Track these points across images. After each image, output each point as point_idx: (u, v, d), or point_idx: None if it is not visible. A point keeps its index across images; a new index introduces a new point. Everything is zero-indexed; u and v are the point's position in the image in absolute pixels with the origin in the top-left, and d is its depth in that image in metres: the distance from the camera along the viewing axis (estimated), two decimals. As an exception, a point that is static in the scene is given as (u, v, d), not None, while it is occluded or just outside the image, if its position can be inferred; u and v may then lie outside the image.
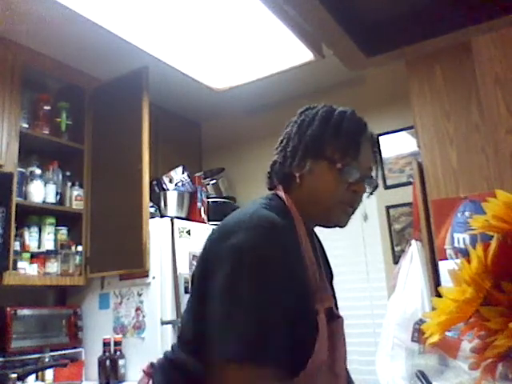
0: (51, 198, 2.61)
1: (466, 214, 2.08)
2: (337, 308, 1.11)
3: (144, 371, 1.01)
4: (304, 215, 1.00)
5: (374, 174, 1.05)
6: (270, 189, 1.07)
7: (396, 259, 2.71)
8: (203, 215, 3.01)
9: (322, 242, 1.24)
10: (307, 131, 1.01)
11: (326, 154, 0.98)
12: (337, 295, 1.15)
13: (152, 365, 1.01)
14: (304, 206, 1.00)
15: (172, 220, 2.65)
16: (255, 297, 0.81)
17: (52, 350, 2.47)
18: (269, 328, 0.80)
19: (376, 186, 1.05)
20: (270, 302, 0.81)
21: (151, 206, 2.77)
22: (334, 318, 0.99)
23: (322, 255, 1.16)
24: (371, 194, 1.05)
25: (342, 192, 0.98)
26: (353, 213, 1.03)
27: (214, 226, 1.00)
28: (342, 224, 1.03)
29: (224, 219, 0.95)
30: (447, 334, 0.67)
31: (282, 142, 1.06)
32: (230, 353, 0.78)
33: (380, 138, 3.01)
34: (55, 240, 2.64)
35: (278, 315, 0.81)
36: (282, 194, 1.02)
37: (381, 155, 3.00)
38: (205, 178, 3.18)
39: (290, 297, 0.85)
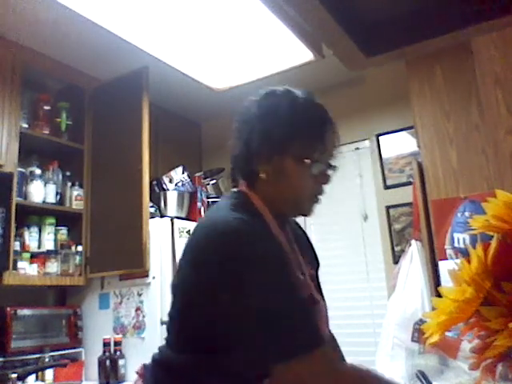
0: (51, 198, 2.61)
1: (466, 214, 2.08)
2: (322, 296, 1.13)
3: (137, 373, 1.03)
4: (273, 209, 1.00)
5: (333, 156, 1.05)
6: (234, 186, 1.07)
7: (396, 259, 2.71)
8: (203, 215, 3.01)
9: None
10: (272, 128, 0.98)
11: (292, 151, 0.97)
12: (335, 294, 1.17)
13: (144, 366, 1.02)
14: (273, 201, 1.00)
15: (172, 220, 2.65)
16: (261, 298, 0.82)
17: (52, 350, 2.46)
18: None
19: (335, 169, 1.05)
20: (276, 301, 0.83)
21: (151, 206, 2.77)
22: (315, 303, 1.00)
23: (306, 243, 1.17)
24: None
25: (310, 186, 0.99)
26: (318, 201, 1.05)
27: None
28: (309, 215, 1.05)
29: (196, 226, 0.97)
30: (447, 334, 0.67)
31: (241, 133, 1.03)
32: (294, 351, 0.79)
33: (380, 138, 3.02)
34: (55, 240, 2.63)
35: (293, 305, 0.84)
36: (247, 190, 1.01)
37: (381, 155, 3.00)
38: (205, 178, 3.17)
39: (284, 291, 0.85)
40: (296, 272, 0.95)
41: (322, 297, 1.12)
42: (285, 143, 0.97)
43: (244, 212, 0.93)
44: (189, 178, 3.07)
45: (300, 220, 3.64)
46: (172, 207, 2.93)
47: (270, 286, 0.83)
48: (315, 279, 1.10)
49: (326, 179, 1.01)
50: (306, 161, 0.97)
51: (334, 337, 1.18)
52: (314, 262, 1.16)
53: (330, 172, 1.02)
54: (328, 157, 1.01)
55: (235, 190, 1.05)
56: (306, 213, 1.04)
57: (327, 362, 0.82)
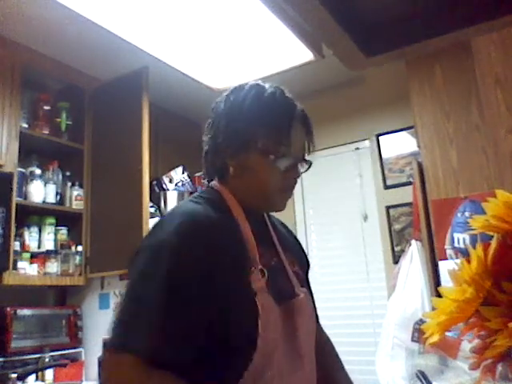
0: (51, 198, 2.61)
1: (466, 214, 2.08)
2: (311, 292, 1.13)
3: None
4: (245, 204, 1.00)
5: (306, 150, 1.04)
6: (208, 181, 1.07)
7: (396, 259, 2.71)
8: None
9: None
10: (238, 125, 0.98)
11: (258, 147, 0.97)
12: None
13: None
14: (243, 196, 1.00)
15: (172, 220, 2.65)
16: (149, 284, 0.83)
17: (52, 350, 2.46)
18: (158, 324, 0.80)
19: (310, 165, 1.03)
20: (164, 291, 0.82)
21: (151, 206, 2.77)
22: (287, 297, 0.96)
23: (293, 243, 1.16)
24: (305, 171, 1.04)
25: (278, 181, 0.98)
26: (290, 196, 1.03)
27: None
28: (282, 209, 1.03)
29: None
30: (447, 334, 0.67)
31: (211, 129, 1.03)
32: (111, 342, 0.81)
33: (380, 137, 3.02)
34: (55, 240, 2.64)
35: (177, 310, 0.81)
36: (217, 185, 1.03)
37: (381, 155, 3.00)
38: (205, 178, 3.18)
39: (199, 289, 0.83)
40: (255, 263, 0.92)
41: (311, 297, 1.13)
42: (249, 138, 0.97)
43: (205, 204, 0.95)
44: (189, 177, 3.07)
45: (300, 220, 3.62)
46: (172, 207, 2.93)
47: (141, 275, 0.85)
48: (302, 276, 1.08)
49: (295, 173, 1.00)
50: (271, 156, 0.96)
51: (323, 332, 1.19)
52: (303, 263, 1.15)
53: (302, 166, 1.01)
54: (297, 151, 1.00)
55: (207, 186, 1.07)
56: (276, 207, 1.03)
57: (119, 370, 0.79)
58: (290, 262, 1.04)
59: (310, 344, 0.99)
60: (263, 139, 0.97)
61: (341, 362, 1.18)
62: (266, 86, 1.03)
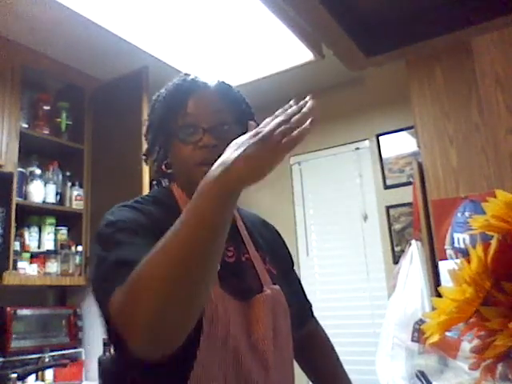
0: (51, 198, 2.61)
1: (466, 214, 2.08)
2: (300, 288, 1.13)
3: None
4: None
5: (237, 118, 1.00)
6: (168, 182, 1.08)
7: (396, 259, 2.71)
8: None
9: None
10: (148, 123, 1.05)
11: (167, 131, 0.99)
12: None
13: None
14: (184, 187, 1.00)
15: (172, 220, 2.65)
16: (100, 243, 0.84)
17: (52, 350, 2.46)
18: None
19: (241, 127, 0.94)
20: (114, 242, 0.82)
21: (151, 206, 2.77)
22: (250, 293, 0.92)
23: (265, 239, 1.10)
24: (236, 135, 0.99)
25: (191, 154, 0.95)
26: None
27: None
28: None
29: None
30: (447, 334, 0.67)
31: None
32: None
33: (380, 137, 3.02)
34: (55, 240, 2.64)
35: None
36: (170, 185, 1.05)
37: (381, 155, 3.00)
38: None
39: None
40: None
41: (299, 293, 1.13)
42: (160, 129, 1.01)
43: (149, 204, 0.95)
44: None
45: (300, 220, 3.61)
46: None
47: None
48: (275, 273, 1.03)
49: (204, 142, 0.94)
50: (176, 130, 0.97)
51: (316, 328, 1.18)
52: (283, 260, 1.13)
53: (214, 133, 0.95)
54: (200, 119, 0.96)
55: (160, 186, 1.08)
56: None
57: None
58: (262, 259, 1.02)
59: (280, 341, 0.94)
60: (167, 121, 0.99)
61: (335, 353, 1.17)
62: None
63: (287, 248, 1.20)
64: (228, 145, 0.75)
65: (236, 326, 0.87)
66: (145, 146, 1.09)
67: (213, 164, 0.81)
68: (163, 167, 1.03)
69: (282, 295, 0.98)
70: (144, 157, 1.09)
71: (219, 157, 0.78)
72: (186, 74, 1.04)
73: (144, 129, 1.08)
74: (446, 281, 0.70)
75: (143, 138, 1.10)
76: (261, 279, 0.97)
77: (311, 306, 1.21)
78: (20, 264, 2.39)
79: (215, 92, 1.01)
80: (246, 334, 0.88)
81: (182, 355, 0.72)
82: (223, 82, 1.04)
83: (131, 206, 0.94)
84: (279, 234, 1.20)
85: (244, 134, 0.81)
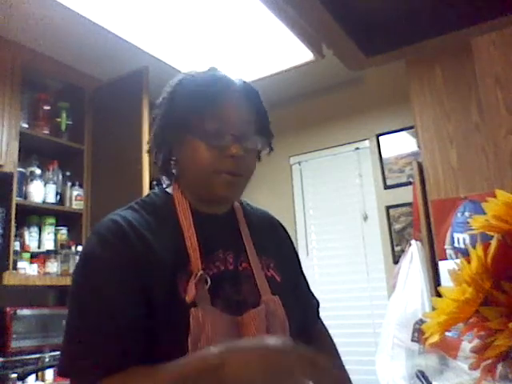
0: (51, 198, 2.61)
1: (466, 214, 2.08)
2: (308, 292, 1.10)
3: None
4: (198, 200, 0.94)
5: (259, 129, 0.94)
6: (168, 184, 0.99)
7: (396, 259, 2.71)
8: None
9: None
10: (162, 108, 0.95)
11: (184, 125, 0.90)
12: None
13: None
14: (192, 189, 0.94)
15: (172, 220, 2.64)
16: (76, 305, 0.82)
17: (52, 350, 2.46)
18: (89, 338, 0.77)
19: (268, 142, 0.94)
20: (86, 309, 0.80)
21: (151, 206, 2.77)
22: (241, 307, 0.88)
23: (273, 243, 1.06)
24: (262, 151, 0.95)
25: (215, 160, 0.88)
26: (244, 180, 0.93)
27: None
28: (228, 196, 0.93)
29: None
30: (447, 334, 0.67)
31: (151, 129, 0.99)
32: (58, 366, 0.79)
33: (380, 137, 3.02)
34: (55, 240, 2.64)
35: (97, 323, 0.78)
36: (170, 188, 0.97)
37: (381, 155, 3.00)
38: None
39: (125, 299, 0.80)
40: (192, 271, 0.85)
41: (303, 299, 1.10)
42: (175, 120, 0.91)
43: (141, 210, 0.90)
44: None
45: (300, 220, 3.61)
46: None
47: (74, 294, 0.83)
48: (279, 282, 0.99)
49: (231, 151, 0.88)
50: (201, 132, 0.88)
51: (323, 331, 1.14)
52: (290, 263, 1.09)
53: (240, 144, 0.90)
54: (229, 126, 0.89)
55: (160, 189, 1.01)
56: (217, 192, 0.90)
57: None
58: (264, 267, 0.97)
59: None
60: (192, 118, 0.90)
61: (339, 358, 1.15)
62: (194, 72, 0.96)
63: (295, 250, 1.15)
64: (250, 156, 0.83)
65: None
66: (145, 137, 1.02)
67: (233, 174, 0.89)
68: (171, 164, 0.95)
69: (281, 307, 0.93)
70: (148, 148, 0.98)
71: (240, 169, 0.87)
72: (213, 69, 0.96)
73: (155, 114, 0.98)
74: (446, 281, 0.70)
75: (143, 137, 1.06)
76: (259, 289, 0.92)
77: (318, 307, 1.16)
78: (20, 264, 2.39)
79: (245, 99, 0.94)
80: None
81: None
82: (252, 88, 0.96)
83: (120, 227, 0.85)
84: (288, 236, 1.14)
85: (261, 148, 0.89)
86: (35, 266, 2.47)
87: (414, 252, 2.25)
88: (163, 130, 0.94)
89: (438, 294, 0.69)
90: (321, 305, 1.18)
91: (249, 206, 1.08)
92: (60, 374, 0.79)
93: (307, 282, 1.15)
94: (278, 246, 1.07)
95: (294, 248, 1.16)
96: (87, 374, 0.76)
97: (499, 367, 0.65)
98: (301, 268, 1.14)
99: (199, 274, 0.84)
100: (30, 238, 2.53)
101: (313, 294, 1.16)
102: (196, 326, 0.80)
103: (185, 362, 0.71)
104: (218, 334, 0.82)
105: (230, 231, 0.97)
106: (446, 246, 2.11)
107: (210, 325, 0.81)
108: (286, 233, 1.14)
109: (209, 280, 0.85)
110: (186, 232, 0.89)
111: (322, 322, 1.17)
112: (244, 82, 0.96)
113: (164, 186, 1.00)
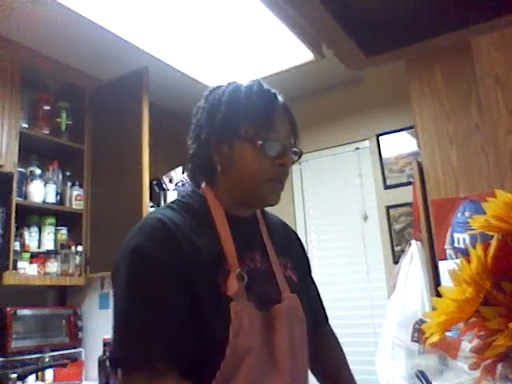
0: (51, 198, 2.61)
1: (466, 214, 2.08)
2: (317, 294, 1.15)
3: None
4: (232, 203, 0.99)
5: (292, 142, 1.03)
6: (197, 186, 1.05)
7: (396, 259, 2.71)
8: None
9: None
10: (217, 115, 0.98)
11: (241, 134, 0.95)
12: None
13: None
14: (231, 194, 0.99)
15: (172, 220, 2.64)
16: (127, 297, 0.85)
17: (52, 350, 2.47)
18: (137, 329, 0.82)
19: (300, 154, 1.03)
20: (139, 301, 0.84)
21: (151, 206, 2.77)
22: (270, 303, 0.94)
23: (287, 244, 1.12)
24: (297, 161, 1.04)
25: (267, 168, 0.95)
26: (283, 188, 1.00)
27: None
28: (274, 202, 1.00)
29: None
30: (447, 334, 0.67)
31: (194, 131, 1.04)
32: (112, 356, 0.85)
33: (380, 137, 3.02)
34: (55, 240, 2.64)
35: (149, 313, 0.83)
36: (204, 189, 1.02)
37: (381, 155, 3.00)
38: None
39: (175, 291, 0.85)
40: (229, 269, 0.91)
41: (315, 299, 1.14)
42: (231, 128, 0.96)
43: (181, 210, 0.95)
44: (189, 177, 3.07)
45: (300, 220, 3.62)
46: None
47: (145, 287, 0.85)
48: (296, 282, 1.04)
49: (284, 160, 0.96)
50: (258, 142, 0.94)
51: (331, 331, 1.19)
52: (303, 265, 1.14)
53: (289, 154, 0.99)
54: (282, 138, 0.98)
55: (191, 190, 1.06)
56: (267, 199, 0.98)
57: None
58: (282, 267, 1.03)
59: (295, 350, 0.96)
60: (246, 127, 0.95)
61: (347, 367, 1.17)
62: (243, 82, 1.03)
63: (306, 254, 1.20)
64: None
65: (258, 337, 0.89)
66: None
67: (281, 182, 0.98)
68: (210, 168, 0.99)
69: (299, 304, 0.99)
70: (197, 149, 1.02)
71: (286, 178, 0.97)
72: (258, 81, 1.02)
73: (196, 120, 1.03)
74: (446, 281, 0.70)
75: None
76: (280, 287, 0.98)
77: (326, 314, 1.20)
78: (20, 264, 2.39)
79: (288, 113, 1.03)
80: (265, 344, 0.91)
81: (207, 365, 0.81)
82: (289, 107, 1.05)
83: (166, 225, 0.91)
84: (299, 238, 1.20)
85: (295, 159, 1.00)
86: (35, 266, 2.47)
87: (414, 252, 2.25)
88: (210, 136, 0.98)
89: (438, 294, 0.69)
90: (321, 305, 1.19)
91: (265, 210, 1.13)
92: (114, 365, 0.85)
93: (316, 287, 1.20)
94: (292, 247, 1.14)
95: (305, 252, 1.21)
96: (142, 365, 0.81)
97: (499, 367, 0.65)
98: (310, 272, 1.19)
99: (237, 271, 0.90)
100: (30, 237, 2.53)
101: (322, 302, 1.20)
102: (236, 318, 0.86)
103: None
104: (254, 326, 0.89)
105: (254, 232, 1.04)
106: (446, 246, 2.11)
107: (248, 318, 0.88)
108: (297, 236, 1.21)
109: (245, 277, 0.91)
110: (222, 232, 0.95)
111: (330, 327, 1.21)
112: (283, 99, 1.04)
113: (189, 187, 1.07)
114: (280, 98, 1.03)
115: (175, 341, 0.82)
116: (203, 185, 1.03)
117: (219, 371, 0.84)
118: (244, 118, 0.96)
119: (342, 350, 1.19)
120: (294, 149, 1.02)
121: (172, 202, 1.00)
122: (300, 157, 1.03)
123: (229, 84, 1.03)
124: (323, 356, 1.15)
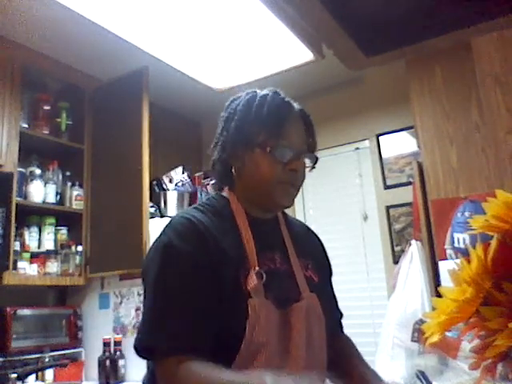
0: (51, 198, 2.61)
1: (466, 214, 2.08)
2: (333, 297, 1.18)
3: None
4: (252, 206, 1.05)
5: (309, 147, 1.07)
6: (220, 189, 1.11)
7: (396, 259, 2.71)
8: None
9: (322, 242, 1.25)
10: (232, 123, 1.05)
11: (253, 141, 1.01)
12: (336, 295, 1.18)
13: None
14: (248, 197, 1.05)
15: (172, 220, 2.65)
16: (158, 289, 0.91)
17: (52, 350, 2.46)
18: (165, 317, 0.87)
19: (315, 160, 1.07)
20: (168, 293, 0.89)
21: (151, 206, 2.77)
22: (289, 301, 0.98)
23: (309, 246, 1.16)
24: (313, 167, 1.08)
25: (279, 173, 1.01)
26: (297, 191, 1.06)
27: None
28: (286, 204, 1.06)
29: None
30: (447, 334, 0.67)
31: (215, 139, 1.10)
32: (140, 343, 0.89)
33: (380, 137, 3.02)
34: (55, 240, 2.63)
35: (177, 304, 0.88)
36: (226, 193, 1.08)
37: (381, 155, 3.00)
38: (205, 178, 3.17)
39: (201, 285, 0.91)
40: (250, 267, 0.96)
41: (332, 302, 1.17)
42: (247, 135, 1.02)
43: (207, 211, 1.02)
44: (189, 178, 3.07)
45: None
46: (172, 207, 2.93)
47: (173, 279, 0.91)
48: (316, 282, 1.08)
49: (295, 166, 1.02)
50: (268, 148, 1.00)
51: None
52: (323, 268, 1.17)
53: (301, 159, 1.04)
54: (294, 144, 1.03)
55: (216, 193, 1.12)
56: (279, 201, 1.04)
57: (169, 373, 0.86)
58: (303, 268, 1.07)
59: (313, 348, 0.99)
60: (261, 134, 1.01)
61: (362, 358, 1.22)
62: (261, 91, 1.09)
63: (328, 258, 1.23)
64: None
65: (274, 333, 0.93)
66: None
67: (293, 185, 1.03)
68: (231, 173, 1.06)
69: (318, 304, 1.03)
70: (217, 155, 1.08)
71: (298, 181, 1.02)
72: (275, 91, 1.08)
73: (221, 128, 1.09)
74: (446, 281, 0.70)
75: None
76: (299, 287, 1.02)
77: (341, 322, 1.25)
78: (20, 264, 2.39)
79: (303, 122, 1.08)
80: (281, 340, 0.94)
81: (221, 359, 0.84)
82: (306, 112, 1.10)
83: (195, 225, 0.96)
84: (322, 243, 1.24)
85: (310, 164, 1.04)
86: (35, 266, 2.47)
87: (414, 252, 2.25)
88: (226, 143, 1.05)
89: (438, 294, 0.69)
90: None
91: (287, 214, 1.18)
92: (144, 353, 0.89)
93: (334, 294, 1.22)
94: (314, 250, 1.18)
95: (327, 257, 1.23)
96: (171, 353, 0.86)
97: (499, 367, 0.65)
98: (331, 277, 1.22)
99: (256, 270, 0.95)
100: (30, 237, 2.53)
101: (339, 308, 1.24)
102: (253, 314, 0.90)
103: (238, 377, 0.81)
104: (270, 323, 0.92)
105: (275, 234, 1.09)
106: (446, 246, 2.11)
107: (265, 314, 0.92)
108: (321, 242, 1.24)
109: (264, 275, 0.95)
110: (243, 233, 1.01)
111: (347, 335, 1.28)
112: (300, 107, 1.10)
113: (213, 191, 1.11)
114: (296, 106, 1.08)
115: (200, 332, 0.87)
116: (226, 188, 1.09)
117: (234, 363, 0.88)
118: (255, 126, 1.02)
119: (360, 354, 1.23)
120: (309, 154, 1.06)
121: (199, 204, 1.07)
122: (316, 162, 1.07)
123: (247, 93, 1.09)
124: (340, 371, 1.16)
